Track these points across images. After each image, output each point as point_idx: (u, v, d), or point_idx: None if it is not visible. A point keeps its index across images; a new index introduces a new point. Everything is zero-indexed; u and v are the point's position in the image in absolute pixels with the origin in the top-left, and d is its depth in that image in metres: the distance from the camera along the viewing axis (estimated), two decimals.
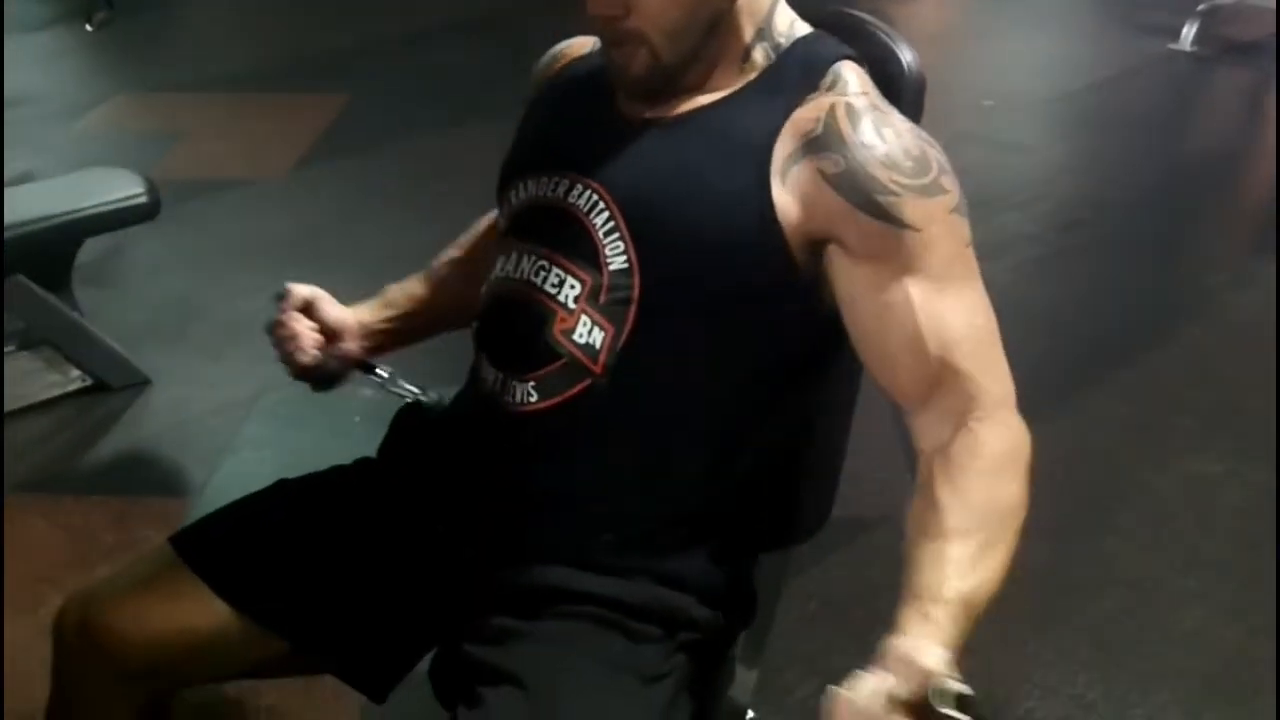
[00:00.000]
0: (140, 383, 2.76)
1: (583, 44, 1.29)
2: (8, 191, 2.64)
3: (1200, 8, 5.28)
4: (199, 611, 1.19)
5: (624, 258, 1.09)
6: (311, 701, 1.87)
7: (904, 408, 1.06)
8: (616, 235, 1.10)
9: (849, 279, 1.06)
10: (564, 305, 1.11)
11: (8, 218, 2.45)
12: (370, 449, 1.33)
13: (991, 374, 1.03)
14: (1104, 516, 2.39)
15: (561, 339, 1.11)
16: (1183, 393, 2.82)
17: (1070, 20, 6.17)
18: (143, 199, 2.67)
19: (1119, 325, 3.14)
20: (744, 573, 1.22)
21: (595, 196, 1.12)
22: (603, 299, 1.10)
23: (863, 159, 1.04)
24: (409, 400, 1.33)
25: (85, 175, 2.92)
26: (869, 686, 0.82)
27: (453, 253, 1.43)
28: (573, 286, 1.11)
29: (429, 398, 1.33)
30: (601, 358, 1.10)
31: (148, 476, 2.52)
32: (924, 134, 1.08)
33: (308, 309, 1.32)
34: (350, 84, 4.79)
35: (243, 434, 2.59)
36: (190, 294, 3.18)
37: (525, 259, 1.16)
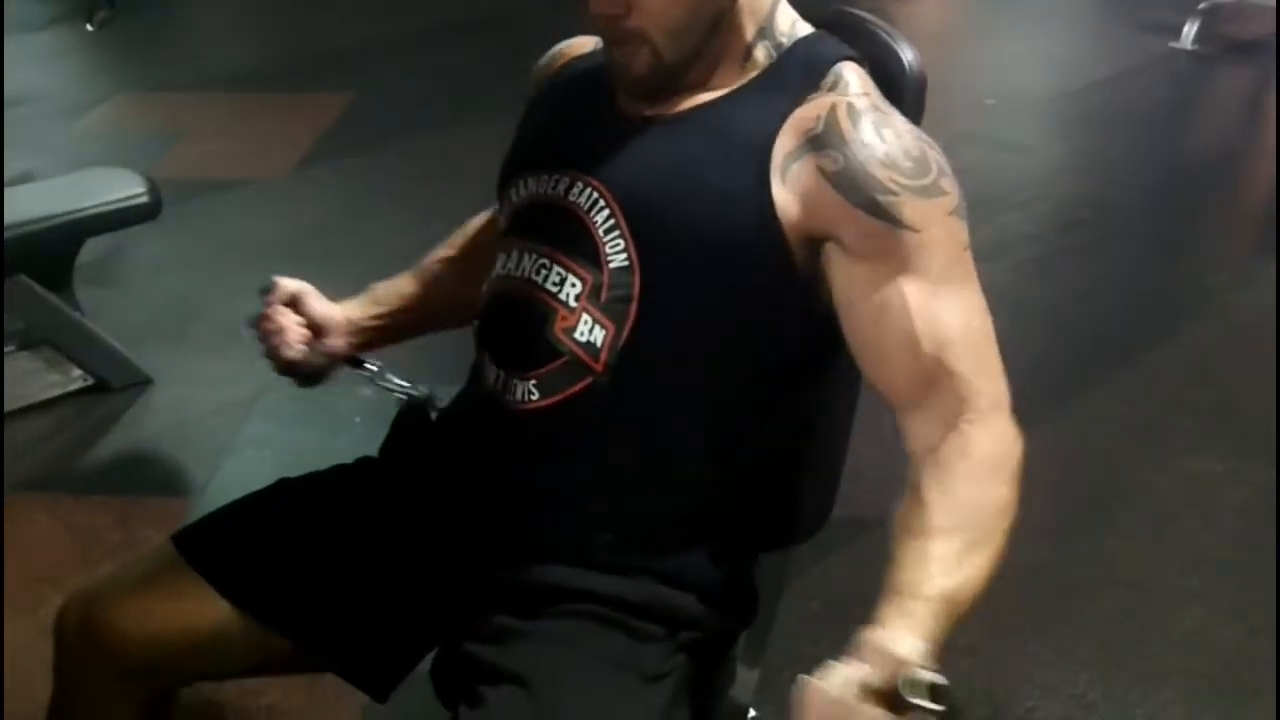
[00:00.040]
0: (141, 382, 2.76)
1: (583, 44, 1.29)
2: (9, 191, 2.65)
3: (1201, 6, 5.28)
4: (201, 610, 1.19)
5: (624, 255, 1.09)
6: (313, 701, 1.87)
7: (897, 408, 1.06)
8: (617, 233, 1.10)
9: (846, 278, 1.06)
10: (565, 303, 1.11)
11: (9, 217, 2.45)
12: (372, 448, 1.33)
13: (986, 377, 1.03)
14: (1104, 516, 2.39)
15: (562, 337, 1.11)
16: (1183, 392, 2.82)
17: (1071, 19, 6.16)
18: (144, 199, 2.67)
19: (1119, 325, 3.14)
20: (745, 572, 1.22)
21: (595, 194, 1.12)
22: (604, 297, 1.10)
23: (862, 158, 1.04)
24: (398, 394, 1.32)
25: (86, 175, 2.92)
26: (841, 675, 0.81)
27: (444, 251, 1.42)
28: (573, 285, 1.11)
29: (419, 391, 1.32)
30: (602, 356, 1.10)
31: (149, 476, 2.52)
32: (925, 136, 1.08)
33: (294, 303, 1.31)
34: (351, 83, 4.79)
35: (244, 433, 2.59)
36: (191, 294, 3.18)
37: (526, 257, 1.16)
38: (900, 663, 0.80)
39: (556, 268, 1.13)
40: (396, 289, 1.40)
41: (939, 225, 1.04)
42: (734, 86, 1.13)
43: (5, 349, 2.78)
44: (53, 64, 5.17)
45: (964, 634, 2.16)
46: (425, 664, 1.23)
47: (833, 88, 1.10)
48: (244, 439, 2.57)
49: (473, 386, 1.24)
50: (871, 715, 0.78)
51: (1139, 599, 2.17)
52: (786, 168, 1.06)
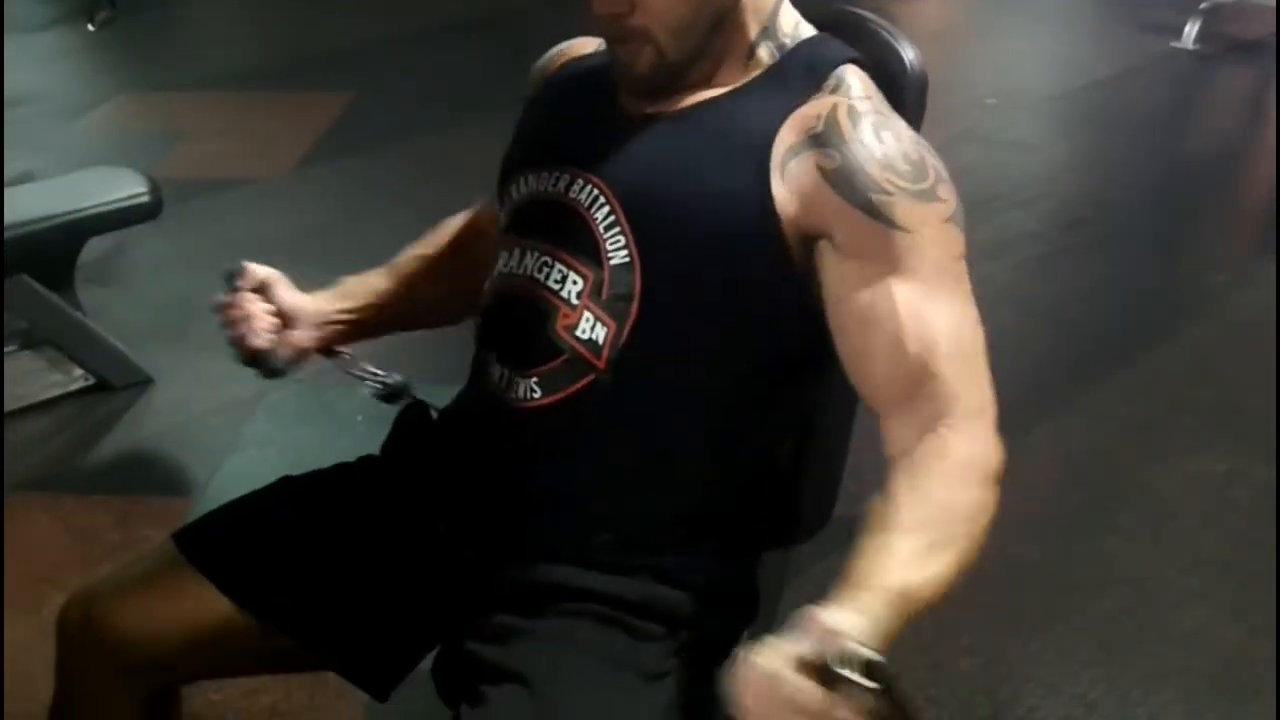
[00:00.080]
0: (142, 382, 2.76)
1: (584, 45, 1.29)
2: (10, 191, 2.65)
3: (1202, 6, 5.28)
4: (202, 608, 1.19)
5: (625, 252, 1.09)
6: (314, 700, 1.87)
7: (879, 412, 1.05)
8: (617, 230, 1.10)
9: (836, 276, 1.06)
10: (567, 301, 1.12)
11: (10, 217, 2.45)
12: (374, 447, 1.33)
13: (970, 385, 1.01)
14: (1105, 516, 2.39)
15: (564, 335, 1.11)
16: (1184, 392, 2.82)
17: (1072, 18, 6.17)
18: (145, 198, 2.67)
19: (1120, 324, 3.14)
20: (746, 571, 1.22)
21: (595, 191, 1.12)
22: (605, 295, 1.10)
23: (860, 157, 1.04)
24: (371, 383, 1.30)
25: (88, 175, 2.92)
26: (776, 648, 0.79)
27: (421, 249, 1.39)
28: (575, 282, 1.11)
29: (393, 380, 1.30)
30: (604, 353, 1.10)
31: (150, 476, 2.52)
32: (925, 143, 1.08)
33: (263, 290, 1.27)
34: (351, 83, 4.79)
35: (246, 432, 2.59)
36: (192, 293, 3.17)
37: (528, 255, 1.16)
38: (836, 636, 0.78)
39: (558, 265, 1.13)
40: (369, 285, 1.35)
41: (933, 229, 1.04)
42: (736, 85, 1.13)
43: (7, 349, 2.78)
44: (54, 64, 5.18)
45: (965, 634, 2.17)
46: (426, 663, 1.23)
47: (835, 90, 1.10)
48: (246, 438, 2.57)
49: (474, 385, 1.23)
50: (803, 688, 0.76)
51: (1140, 598, 2.16)
52: (785, 164, 1.06)
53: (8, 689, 1.76)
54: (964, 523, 0.95)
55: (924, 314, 1.02)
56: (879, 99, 1.11)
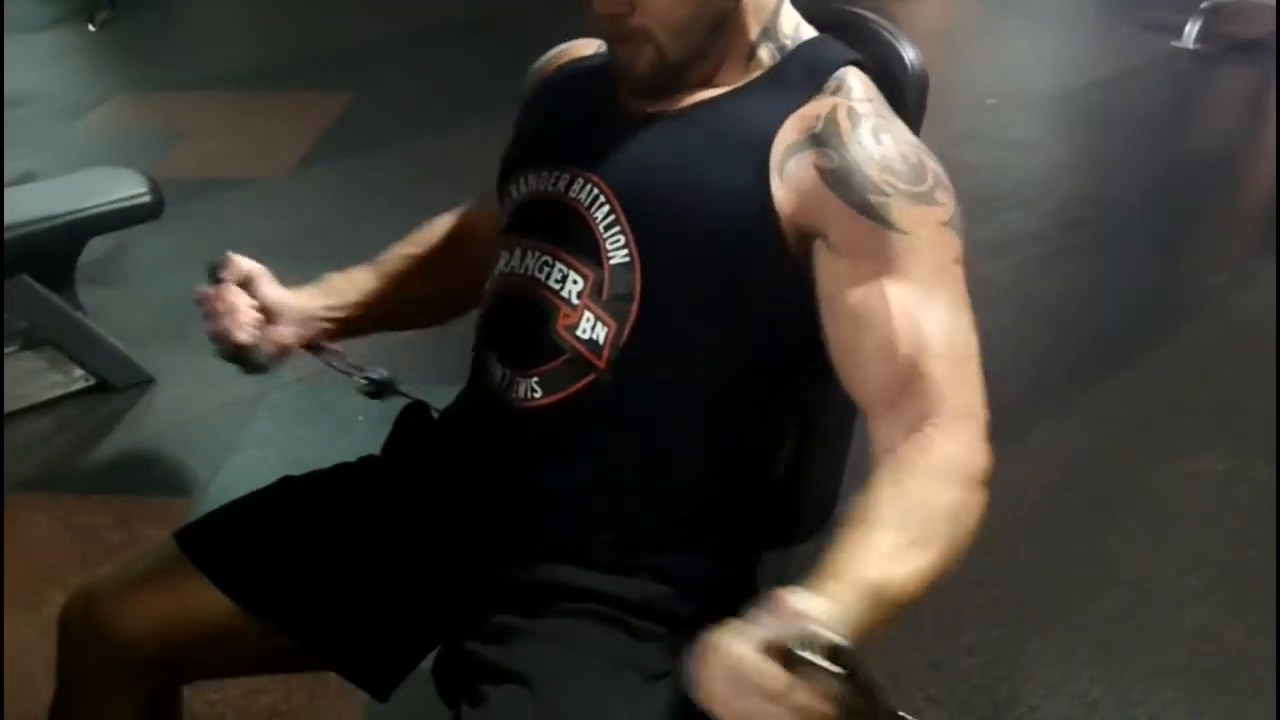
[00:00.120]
0: (143, 382, 2.76)
1: (583, 46, 1.29)
2: (10, 191, 2.65)
3: (1203, 5, 5.28)
4: (203, 607, 1.19)
5: (625, 252, 1.10)
6: (314, 700, 1.87)
7: (868, 413, 1.04)
8: (617, 229, 1.10)
9: (830, 274, 1.06)
10: (567, 301, 1.12)
11: (11, 217, 2.45)
12: (374, 447, 1.33)
13: (960, 388, 1.01)
14: (1105, 515, 2.39)
15: (565, 334, 1.11)
16: (1184, 392, 2.82)
17: (1073, 18, 6.17)
18: (146, 198, 2.67)
19: (1120, 324, 3.14)
20: (746, 571, 1.22)
21: (595, 190, 1.12)
22: (605, 294, 1.10)
23: (859, 158, 1.04)
24: (357, 378, 1.29)
25: (88, 175, 2.92)
26: (740, 630, 0.79)
27: (409, 249, 1.37)
28: (575, 282, 1.11)
29: (379, 375, 1.29)
30: (605, 353, 1.10)
31: (150, 476, 2.52)
32: (925, 147, 1.08)
33: (247, 284, 1.25)
34: (351, 83, 4.79)
35: (247, 432, 2.59)
36: (193, 293, 3.18)
37: (529, 255, 1.16)
38: (801, 619, 0.78)
39: (559, 265, 1.13)
40: (355, 283, 1.34)
41: (929, 231, 1.04)
42: (737, 85, 1.13)
43: (7, 349, 2.78)
44: (54, 64, 5.18)
45: (965, 634, 2.17)
46: (427, 663, 1.23)
47: (836, 91, 1.10)
48: (247, 438, 2.57)
49: (475, 385, 1.24)
50: (764, 670, 0.76)
51: (1140, 598, 2.17)
52: (785, 164, 1.07)
53: (8, 689, 1.76)
54: (945, 523, 0.94)
55: (917, 315, 1.02)
56: (880, 102, 1.11)
